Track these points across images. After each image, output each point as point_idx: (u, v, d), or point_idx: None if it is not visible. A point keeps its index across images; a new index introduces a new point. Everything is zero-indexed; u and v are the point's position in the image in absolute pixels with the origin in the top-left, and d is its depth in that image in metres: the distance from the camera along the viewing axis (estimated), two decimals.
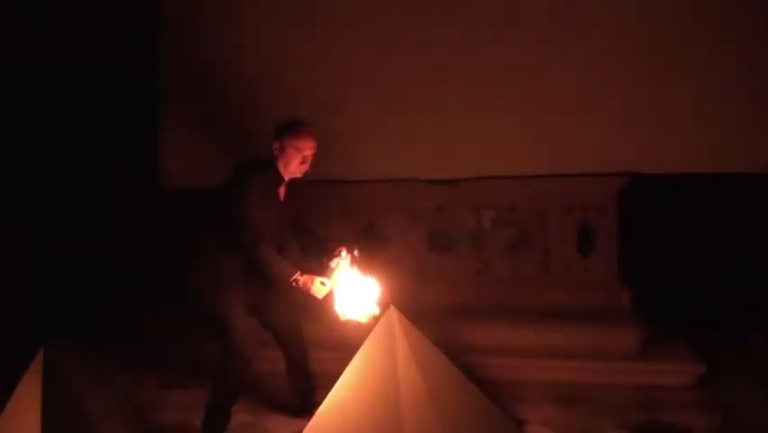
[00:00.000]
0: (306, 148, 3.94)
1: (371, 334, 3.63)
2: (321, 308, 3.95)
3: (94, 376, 4.43)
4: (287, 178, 4.04)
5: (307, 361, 4.52)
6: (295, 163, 3.95)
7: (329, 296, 3.87)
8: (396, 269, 5.75)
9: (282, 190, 4.10)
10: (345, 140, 5.80)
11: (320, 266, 3.94)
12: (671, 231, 5.79)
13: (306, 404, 4.34)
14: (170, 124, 6.38)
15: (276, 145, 3.98)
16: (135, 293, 6.49)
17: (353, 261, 3.89)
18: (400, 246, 6.16)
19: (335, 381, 3.54)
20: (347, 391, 3.52)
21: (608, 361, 5.15)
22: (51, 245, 6.55)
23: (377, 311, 3.72)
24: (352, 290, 3.79)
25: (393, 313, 3.70)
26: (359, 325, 3.77)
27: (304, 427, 3.51)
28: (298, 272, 3.83)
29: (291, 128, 4.00)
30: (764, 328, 5.46)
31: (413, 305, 4.02)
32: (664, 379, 5.00)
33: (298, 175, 4.05)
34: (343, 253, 3.87)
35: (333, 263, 3.86)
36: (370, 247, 5.89)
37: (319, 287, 3.81)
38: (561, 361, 5.21)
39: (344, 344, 3.81)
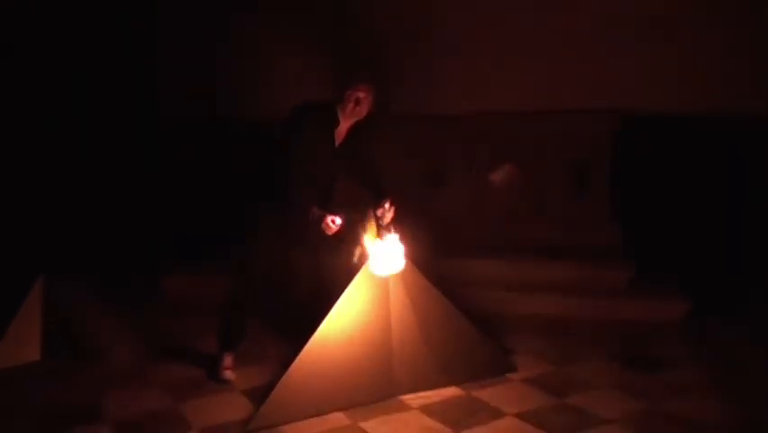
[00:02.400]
0: (359, 90, 4.01)
1: (365, 265, 3.73)
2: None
3: (95, 303, 4.54)
4: (345, 121, 4.12)
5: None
6: (350, 106, 4.02)
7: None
8: None
9: (340, 134, 4.16)
10: None
11: (365, 215, 4.08)
12: (664, 173, 5.81)
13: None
14: None
15: (337, 91, 4.09)
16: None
17: (385, 218, 4.01)
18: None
19: None
20: (344, 314, 3.62)
21: (596, 296, 5.25)
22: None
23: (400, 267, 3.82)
24: (380, 245, 3.87)
25: None
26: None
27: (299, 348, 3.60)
28: (314, 208, 3.95)
29: (347, 73, 4.14)
30: (752, 268, 5.53)
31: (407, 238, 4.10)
32: (651, 314, 5.10)
33: (356, 117, 4.12)
34: (386, 205, 3.99)
35: (379, 212, 4.01)
36: None
37: (329, 223, 3.90)
38: (550, 295, 5.31)
39: None
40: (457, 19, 6.07)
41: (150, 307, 5.41)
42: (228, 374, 4.07)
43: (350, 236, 3.97)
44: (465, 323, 3.97)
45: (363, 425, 3.49)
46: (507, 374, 4.11)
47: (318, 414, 3.57)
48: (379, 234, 3.90)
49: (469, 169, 6.16)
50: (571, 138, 5.91)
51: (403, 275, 3.81)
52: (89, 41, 6.69)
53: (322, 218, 3.88)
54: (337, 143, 4.16)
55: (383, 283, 3.76)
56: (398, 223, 4.00)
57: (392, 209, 4.01)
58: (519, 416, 3.59)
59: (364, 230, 3.96)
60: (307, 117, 4.07)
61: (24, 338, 4.31)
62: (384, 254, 3.76)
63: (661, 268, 5.56)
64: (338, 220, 3.88)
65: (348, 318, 3.65)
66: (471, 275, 5.40)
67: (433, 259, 4.32)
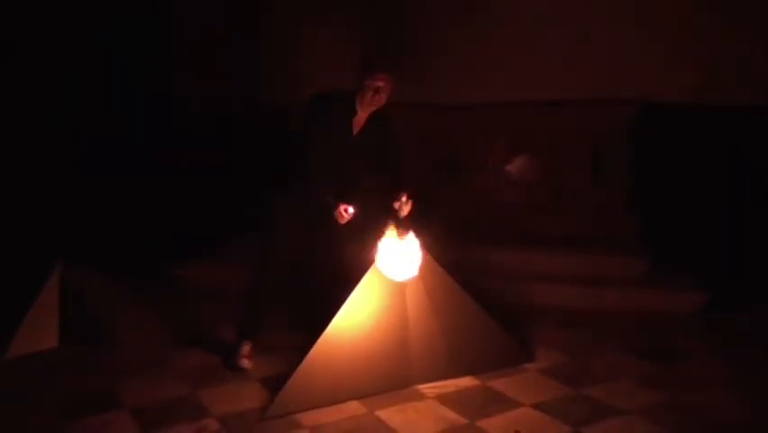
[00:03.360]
0: (378, 80, 4.00)
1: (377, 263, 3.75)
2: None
3: (112, 290, 4.56)
4: (363, 111, 4.12)
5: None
6: (369, 95, 4.02)
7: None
8: None
9: (358, 123, 4.17)
10: None
11: (383, 208, 4.05)
12: (680, 163, 5.77)
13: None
14: None
15: (356, 79, 4.08)
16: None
17: (402, 211, 3.99)
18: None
19: None
20: (361, 303, 3.63)
21: (612, 287, 5.24)
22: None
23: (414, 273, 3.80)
24: (396, 248, 3.83)
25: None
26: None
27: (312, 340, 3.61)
28: (330, 197, 3.98)
29: (365, 64, 4.08)
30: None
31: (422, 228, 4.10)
32: (667, 306, 5.09)
33: (375, 106, 4.10)
34: (403, 198, 3.99)
35: (396, 205, 4.00)
36: None
37: (341, 212, 3.94)
38: (566, 286, 5.30)
39: None
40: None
41: (167, 294, 5.41)
42: (245, 363, 4.06)
43: (369, 228, 3.93)
44: (481, 313, 3.97)
45: (379, 414, 3.50)
46: (524, 365, 4.11)
47: (334, 403, 3.57)
48: (398, 233, 3.85)
49: (485, 159, 6.14)
50: (587, 128, 5.89)
51: (419, 266, 3.81)
52: (103, 32, 6.72)
53: (335, 207, 3.92)
54: (355, 132, 4.16)
55: None
56: (416, 217, 3.98)
57: (409, 203, 4.00)
58: (535, 406, 3.59)
59: (385, 226, 3.90)
60: (324, 106, 4.10)
61: (42, 325, 4.33)
62: (400, 258, 3.75)
63: (677, 259, 5.53)
64: (350, 209, 3.92)
65: (364, 307, 3.65)
66: (488, 265, 5.39)
67: (449, 249, 4.32)
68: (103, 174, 6.63)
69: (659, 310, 5.04)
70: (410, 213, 4.00)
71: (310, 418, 3.46)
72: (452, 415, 3.49)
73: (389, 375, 3.74)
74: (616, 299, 5.18)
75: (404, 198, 3.98)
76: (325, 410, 3.52)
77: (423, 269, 3.83)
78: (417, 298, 3.80)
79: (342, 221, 3.94)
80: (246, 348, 4.11)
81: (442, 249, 4.01)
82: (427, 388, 3.78)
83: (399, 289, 3.76)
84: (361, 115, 4.15)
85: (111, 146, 6.69)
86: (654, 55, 5.60)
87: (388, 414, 3.50)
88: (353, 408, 3.57)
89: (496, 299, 4.40)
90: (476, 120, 6.12)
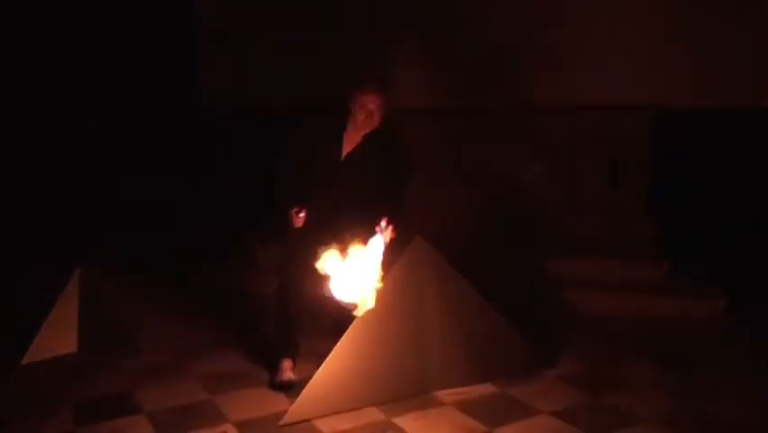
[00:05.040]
0: (369, 102, 3.95)
1: (400, 259, 3.73)
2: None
3: (132, 295, 4.59)
4: (356, 131, 4.06)
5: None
6: (360, 118, 3.97)
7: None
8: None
9: (349, 143, 4.09)
10: None
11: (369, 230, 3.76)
12: (699, 168, 5.73)
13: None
14: None
15: (349, 101, 4.03)
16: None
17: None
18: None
19: None
20: (378, 309, 3.60)
21: (631, 293, 5.21)
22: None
23: (368, 306, 3.56)
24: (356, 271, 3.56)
25: (420, 242, 3.80)
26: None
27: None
28: (295, 207, 3.94)
29: (356, 85, 4.03)
30: None
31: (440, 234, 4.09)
32: (686, 312, 5.04)
33: (367, 130, 4.04)
34: (383, 223, 3.71)
35: (377, 230, 3.70)
36: None
37: (294, 216, 3.92)
38: (585, 292, 5.26)
39: None
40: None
41: (185, 299, 5.39)
42: (288, 375, 3.91)
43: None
44: (500, 319, 3.95)
45: (397, 420, 3.49)
46: (543, 371, 4.08)
47: (352, 409, 3.57)
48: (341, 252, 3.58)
49: (503, 164, 6.13)
50: (605, 133, 5.86)
51: (438, 271, 3.80)
52: (132, 35, 6.81)
53: (292, 213, 3.93)
54: (346, 152, 4.09)
55: (418, 278, 3.76)
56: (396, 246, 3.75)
57: (389, 229, 3.73)
58: (554, 414, 3.56)
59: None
60: (311, 122, 4.13)
61: (61, 330, 4.36)
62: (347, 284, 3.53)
63: (696, 265, 5.50)
64: (302, 213, 3.92)
65: (382, 314, 3.64)
66: (506, 271, 5.37)
67: (466, 254, 4.31)
68: (126, 176, 6.70)
69: (677, 316, 5.00)
70: (392, 240, 3.73)
71: (328, 424, 3.45)
72: (470, 422, 3.48)
73: (408, 381, 3.72)
74: (634, 304, 5.13)
75: (383, 224, 3.70)
76: (343, 416, 3.52)
77: (441, 274, 3.82)
78: (436, 303, 3.78)
79: (298, 225, 3.93)
80: (287, 364, 3.98)
81: (458, 254, 4.00)
82: (446, 394, 3.76)
83: (417, 294, 3.75)
84: (355, 135, 4.09)
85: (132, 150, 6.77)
86: (673, 59, 5.55)
87: (406, 420, 3.49)
88: (372, 414, 3.56)
89: (514, 304, 4.38)
90: (494, 125, 6.10)
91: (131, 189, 6.69)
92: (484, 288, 3.95)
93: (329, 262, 3.53)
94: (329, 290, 3.55)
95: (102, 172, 6.67)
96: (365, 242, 3.61)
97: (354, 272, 3.54)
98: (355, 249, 3.58)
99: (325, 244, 3.60)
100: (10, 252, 5.75)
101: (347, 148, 4.10)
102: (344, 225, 3.80)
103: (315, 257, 3.55)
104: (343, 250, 3.56)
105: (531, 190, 6.03)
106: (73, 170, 6.55)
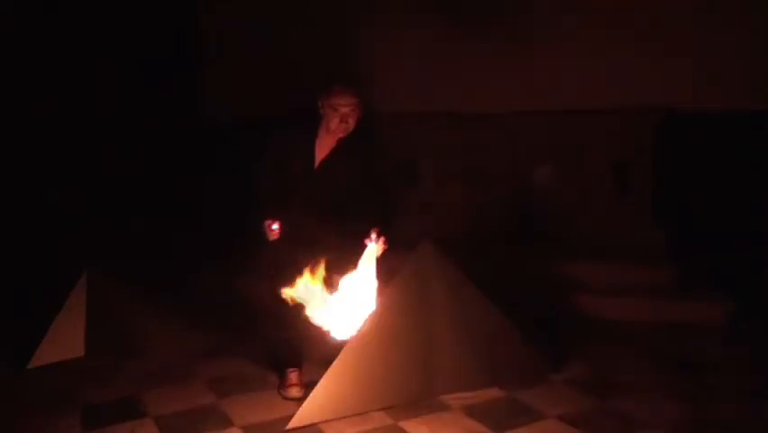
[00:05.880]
0: (342, 106, 3.74)
1: (407, 263, 3.73)
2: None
3: (139, 300, 4.59)
4: (328, 137, 3.86)
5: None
6: (334, 122, 3.75)
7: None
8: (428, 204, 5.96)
9: (322, 151, 3.89)
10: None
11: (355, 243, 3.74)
12: (707, 172, 5.71)
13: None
14: None
15: (319, 105, 3.83)
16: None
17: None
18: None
19: None
20: (384, 313, 3.61)
21: (639, 297, 5.18)
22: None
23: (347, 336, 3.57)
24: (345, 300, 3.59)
25: (428, 245, 3.80)
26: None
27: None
28: (267, 220, 3.76)
29: (328, 88, 3.82)
30: None
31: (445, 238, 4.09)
32: (695, 316, 5.00)
33: (341, 134, 3.83)
34: (373, 236, 3.68)
35: (368, 243, 3.69)
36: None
37: (267, 228, 3.74)
38: (592, 296, 5.24)
39: None
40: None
41: (192, 304, 5.38)
42: (292, 392, 3.80)
43: (345, 259, 3.70)
44: (507, 323, 3.94)
45: (404, 424, 3.48)
46: (550, 376, 4.07)
47: (359, 413, 3.56)
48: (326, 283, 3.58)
49: (509, 168, 6.13)
50: (613, 137, 5.84)
51: (445, 275, 3.80)
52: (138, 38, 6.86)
53: (265, 226, 3.76)
54: (318, 161, 3.90)
55: (425, 282, 3.75)
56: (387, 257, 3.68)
57: (381, 242, 3.68)
58: (561, 418, 3.55)
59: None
60: (281, 132, 3.93)
61: (68, 334, 4.38)
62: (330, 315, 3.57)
63: (704, 269, 5.47)
64: (275, 225, 3.74)
65: (388, 318, 3.64)
66: (514, 275, 5.35)
67: (473, 258, 4.30)
68: (132, 180, 6.73)
69: (686, 321, 4.97)
70: (384, 252, 3.70)
71: (334, 428, 3.45)
72: (477, 426, 3.46)
73: (414, 385, 3.71)
74: (642, 309, 5.11)
75: (374, 236, 3.67)
76: (350, 420, 3.51)
77: (448, 278, 3.82)
78: (443, 307, 3.77)
79: (273, 237, 3.75)
80: (292, 375, 3.87)
81: (465, 258, 4.00)
82: (453, 398, 3.74)
83: (424, 298, 3.74)
84: (326, 142, 3.90)
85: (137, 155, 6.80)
86: (679, 62, 5.55)
87: (413, 425, 3.48)
88: (378, 418, 3.55)
89: (522, 309, 4.37)
90: (500, 129, 6.09)
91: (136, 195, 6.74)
92: (491, 292, 3.94)
93: (308, 290, 3.50)
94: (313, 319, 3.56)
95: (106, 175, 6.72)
96: (348, 259, 3.58)
97: (342, 302, 3.52)
98: (342, 278, 3.54)
99: (304, 261, 3.56)
100: (17, 255, 5.78)
101: (320, 156, 3.91)
102: (323, 240, 3.69)
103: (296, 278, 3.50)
104: (324, 269, 3.54)
105: (539, 193, 6.03)
106: (80, 171, 6.60)
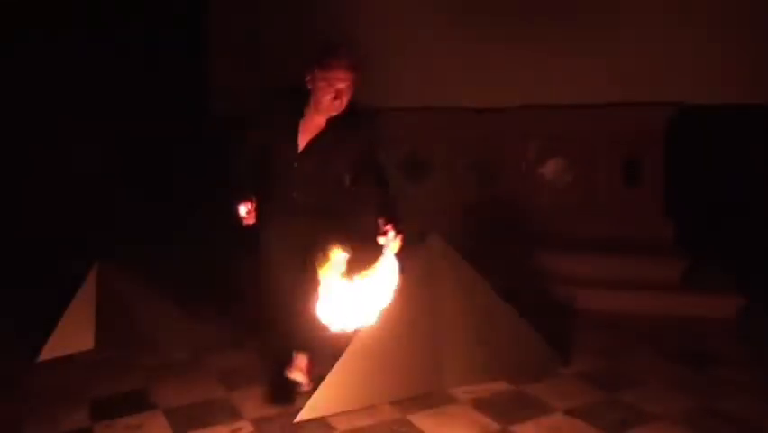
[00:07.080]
0: (338, 81, 3.19)
1: (416, 256, 3.72)
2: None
3: (149, 292, 4.60)
4: (319, 114, 3.35)
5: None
6: (327, 99, 3.22)
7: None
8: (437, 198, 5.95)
9: (310, 130, 3.40)
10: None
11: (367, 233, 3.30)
12: (717, 165, 5.70)
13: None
14: None
15: (308, 77, 3.28)
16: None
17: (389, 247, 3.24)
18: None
19: None
20: (392, 306, 3.57)
21: (649, 291, 5.18)
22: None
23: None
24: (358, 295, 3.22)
25: (435, 239, 3.80)
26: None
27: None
28: (242, 203, 3.37)
29: (321, 57, 3.22)
30: None
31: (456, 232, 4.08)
32: (704, 310, 5.00)
33: (333, 113, 3.31)
34: (391, 234, 3.21)
35: (383, 241, 3.23)
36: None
37: (236, 212, 3.36)
38: (602, 289, 5.24)
39: None
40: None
41: (203, 297, 5.40)
42: (297, 374, 3.70)
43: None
44: (515, 316, 3.94)
45: (412, 417, 3.49)
46: (558, 369, 4.07)
47: (367, 406, 3.57)
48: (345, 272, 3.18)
49: (519, 162, 6.12)
50: (623, 131, 5.83)
51: (453, 268, 3.80)
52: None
53: (239, 209, 3.37)
54: (304, 141, 3.41)
55: (434, 275, 3.76)
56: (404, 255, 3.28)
57: (398, 238, 3.21)
58: (569, 411, 3.55)
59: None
60: (265, 105, 3.46)
61: (78, 327, 4.39)
62: (342, 305, 3.21)
63: (714, 263, 5.46)
64: (242, 209, 3.36)
65: (396, 311, 3.63)
66: (523, 269, 5.38)
67: (484, 252, 4.29)
68: (141, 175, 6.75)
69: (695, 315, 4.97)
70: (401, 249, 3.23)
71: (343, 420, 3.46)
72: (485, 419, 3.47)
73: (422, 378, 3.72)
74: (652, 303, 5.11)
75: (390, 233, 3.20)
76: (358, 413, 3.52)
77: (457, 271, 3.82)
78: (451, 300, 3.78)
79: (248, 222, 3.39)
80: (300, 360, 3.73)
81: (476, 252, 3.99)
82: (461, 392, 3.75)
83: (432, 291, 3.74)
84: (316, 120, 3.38)
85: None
86: (690, 56, 5.53)
87: (420, 418, 3.49)
88: (386, 411, 3.56)
89: (530, 302, 4.37)
90: (509, 123, 6.08)
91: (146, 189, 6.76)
92: (499, 285, 3.95)
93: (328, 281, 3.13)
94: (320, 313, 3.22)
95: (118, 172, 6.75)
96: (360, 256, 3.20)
97: (357, 297, 3.19)
98: (361, 276, 3.17)
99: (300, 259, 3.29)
100: (27, 248, 5.81)
101: (306, 137, 3.41)
102: (314, 231, 3.37)
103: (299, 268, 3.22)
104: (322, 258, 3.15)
105: (548, 188, 6.03)
106: (89, 167, 6.62)
